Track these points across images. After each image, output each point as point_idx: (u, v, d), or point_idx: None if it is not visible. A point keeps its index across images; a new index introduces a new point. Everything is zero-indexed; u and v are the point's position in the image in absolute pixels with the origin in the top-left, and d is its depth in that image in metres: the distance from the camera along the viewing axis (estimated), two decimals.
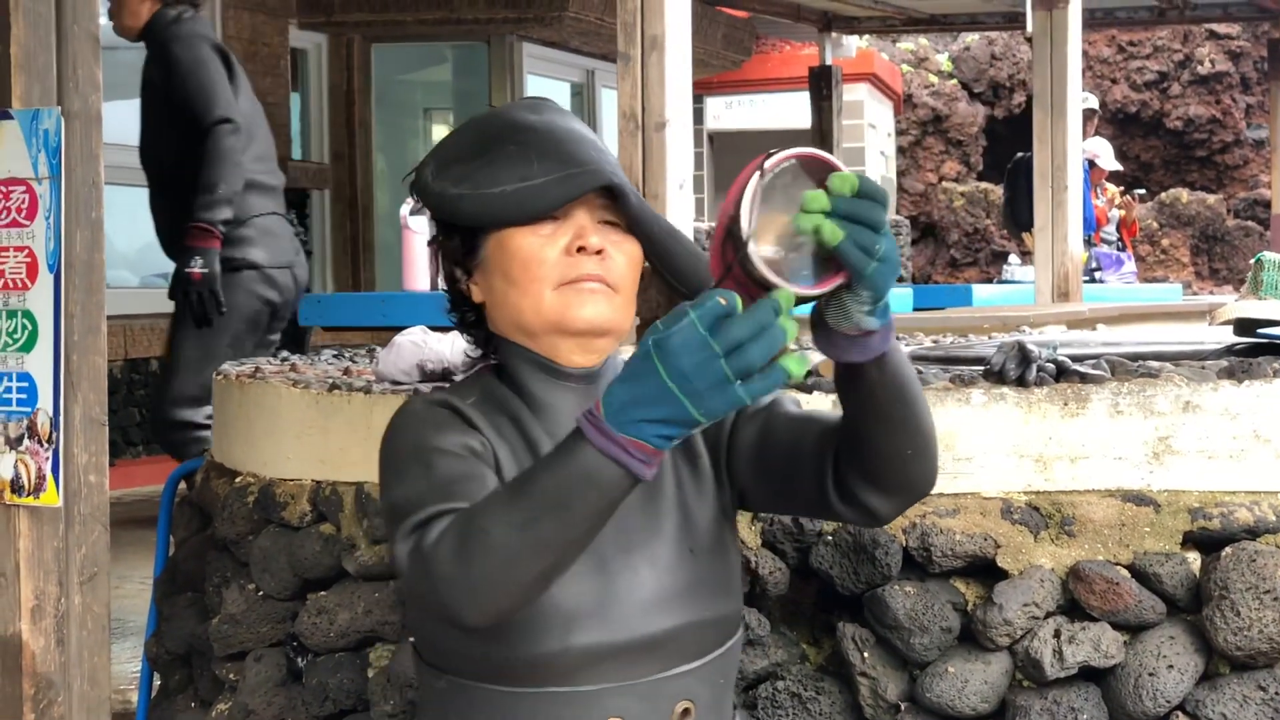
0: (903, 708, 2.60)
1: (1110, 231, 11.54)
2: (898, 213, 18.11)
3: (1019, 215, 9.99)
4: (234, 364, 3.85)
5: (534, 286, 1.97)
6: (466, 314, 2.07)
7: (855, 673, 2.61)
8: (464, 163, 2.01)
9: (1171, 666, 2.54)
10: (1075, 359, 2.79)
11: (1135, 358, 2.98)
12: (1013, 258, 13.93)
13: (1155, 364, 2.81)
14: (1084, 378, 2.69)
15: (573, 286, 1.97)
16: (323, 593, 3.07)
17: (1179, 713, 2.55)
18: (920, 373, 2.74)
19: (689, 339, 1.59)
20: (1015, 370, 2.67)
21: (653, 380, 1.61)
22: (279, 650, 3.12)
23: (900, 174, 19.03)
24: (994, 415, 2.66)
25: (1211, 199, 18.74)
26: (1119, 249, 11.59)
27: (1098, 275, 10.89)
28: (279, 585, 3.13)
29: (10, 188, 2.95)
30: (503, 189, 1.97)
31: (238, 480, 3.35)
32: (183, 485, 4.07)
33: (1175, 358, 3.05)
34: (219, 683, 3.26)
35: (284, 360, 4.05)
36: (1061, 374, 2.69)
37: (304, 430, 3.19)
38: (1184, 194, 18.78)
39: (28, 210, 2.91)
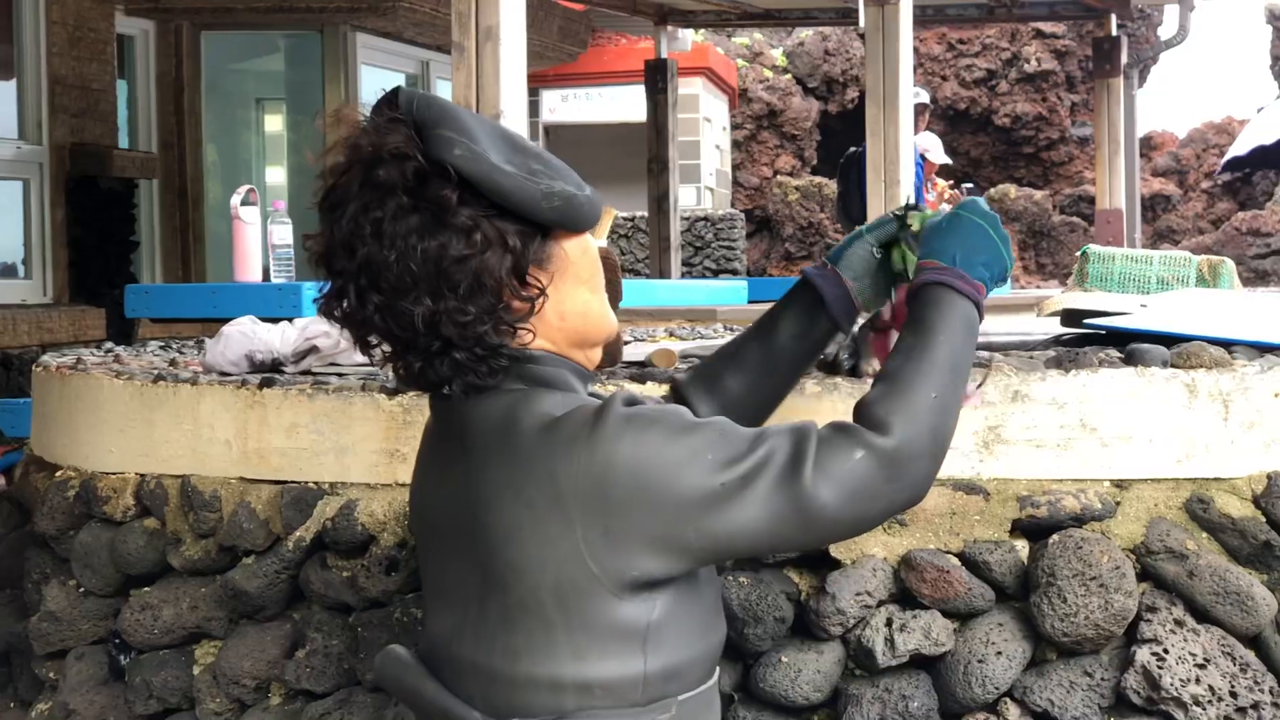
0: (736, 698, 2.60)
1: None
2: (733, 206, 18.21)
3: (851, 209, 10.08)
4: (55, 355, 3.75)
5: (603, 294, 1.91)
6: (519, 326, 1.82)
7: None
8: (528, 160, 1.81)
9: (1000, 653, 2.57)
10: None
11: None
12: None
13: (985, 354, 2.84)
14: None
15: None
16: (146, 589, 3.01)
17: (1007, 699, 2.58)
18: None
19: (994, 216, 1.98)
20: (848, 361, 2.67)
21: (984, 240, 1.93)
22: (101, 648, 3.06)
23: (735, 168, 19.14)
24: (826, 405, 2.67)
25: (1038, 195, 19.10)
26: None
27: None
28: (101, 581, 3.07)
29: None
30: (589, 193, 1.85)
31: (58, 474, 3.27)
32: (0, 480, 3.97)
33: (1004, 348, 3.09)
34: (39, 682, 3.19)
35: (107, 351, 3.96)
36: None
37: (127, 423, 3.11)
38: (1012, 190, 19.12)
39: None
